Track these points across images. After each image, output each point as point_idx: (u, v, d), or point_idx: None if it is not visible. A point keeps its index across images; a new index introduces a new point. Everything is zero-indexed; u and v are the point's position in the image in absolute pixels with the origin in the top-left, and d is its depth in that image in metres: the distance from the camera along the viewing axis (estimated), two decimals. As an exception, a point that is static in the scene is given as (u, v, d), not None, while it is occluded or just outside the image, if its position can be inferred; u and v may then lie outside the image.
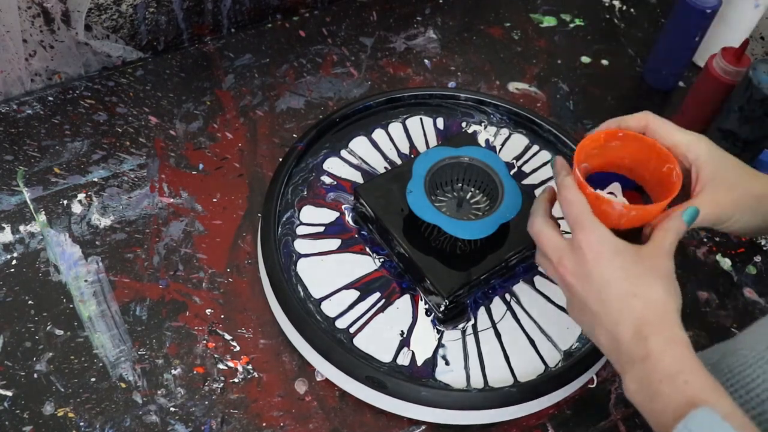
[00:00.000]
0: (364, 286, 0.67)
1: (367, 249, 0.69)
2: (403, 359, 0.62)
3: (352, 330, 0.64)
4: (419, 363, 0.62)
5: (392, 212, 0.66)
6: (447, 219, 0.62)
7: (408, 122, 0.80)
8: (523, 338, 0.65)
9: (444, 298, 0.62)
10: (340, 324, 0.64)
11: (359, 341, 0.63)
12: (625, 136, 0.53)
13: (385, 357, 0.62)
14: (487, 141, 0.80)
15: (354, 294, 0.66)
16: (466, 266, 0.64)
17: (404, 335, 0.64)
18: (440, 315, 0.64)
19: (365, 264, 0.68)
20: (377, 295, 0.66)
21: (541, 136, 0.80)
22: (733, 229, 0.51)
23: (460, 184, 0.69)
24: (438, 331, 0.64)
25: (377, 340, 0.63)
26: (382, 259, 0.69)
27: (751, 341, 0.42)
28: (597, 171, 0.55)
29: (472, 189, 0.69)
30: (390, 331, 0.64)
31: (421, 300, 0.66)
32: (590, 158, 0.54)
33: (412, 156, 0.77)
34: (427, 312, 0.65)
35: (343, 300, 0.65)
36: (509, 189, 0.65)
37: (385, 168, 0.76)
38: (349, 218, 0.71)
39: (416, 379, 0.61)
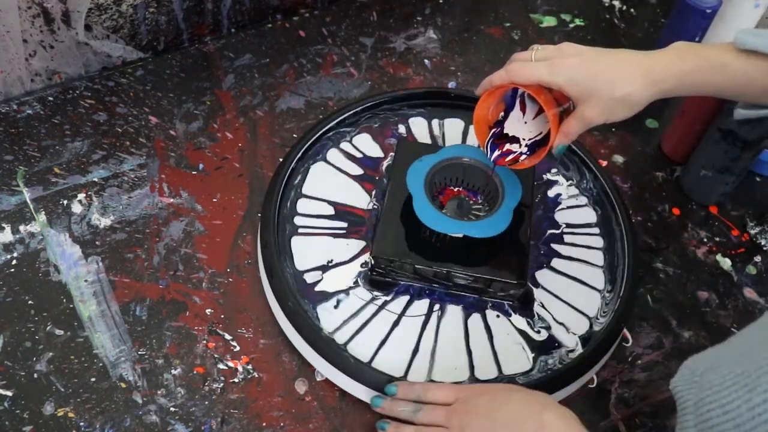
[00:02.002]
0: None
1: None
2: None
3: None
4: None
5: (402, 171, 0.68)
6: (424, 199, 0.64)
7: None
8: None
9: (371, 255, 0.65)
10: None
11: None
12: (497, 91, 0.61)
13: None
14: None
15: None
16: (413, 248, 0.65)
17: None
18: (369, 272, 0.67)
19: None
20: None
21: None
22: (618, 120, 0.58)
23: (466, 185, 0.70)
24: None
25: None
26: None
27: (733, 357, 0.42)
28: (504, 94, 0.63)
29: (475, 195, 0.70)
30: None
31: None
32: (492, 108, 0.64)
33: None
34: (362, 265, 0.67)
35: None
36: (505, 205, 0.65)
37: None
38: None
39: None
